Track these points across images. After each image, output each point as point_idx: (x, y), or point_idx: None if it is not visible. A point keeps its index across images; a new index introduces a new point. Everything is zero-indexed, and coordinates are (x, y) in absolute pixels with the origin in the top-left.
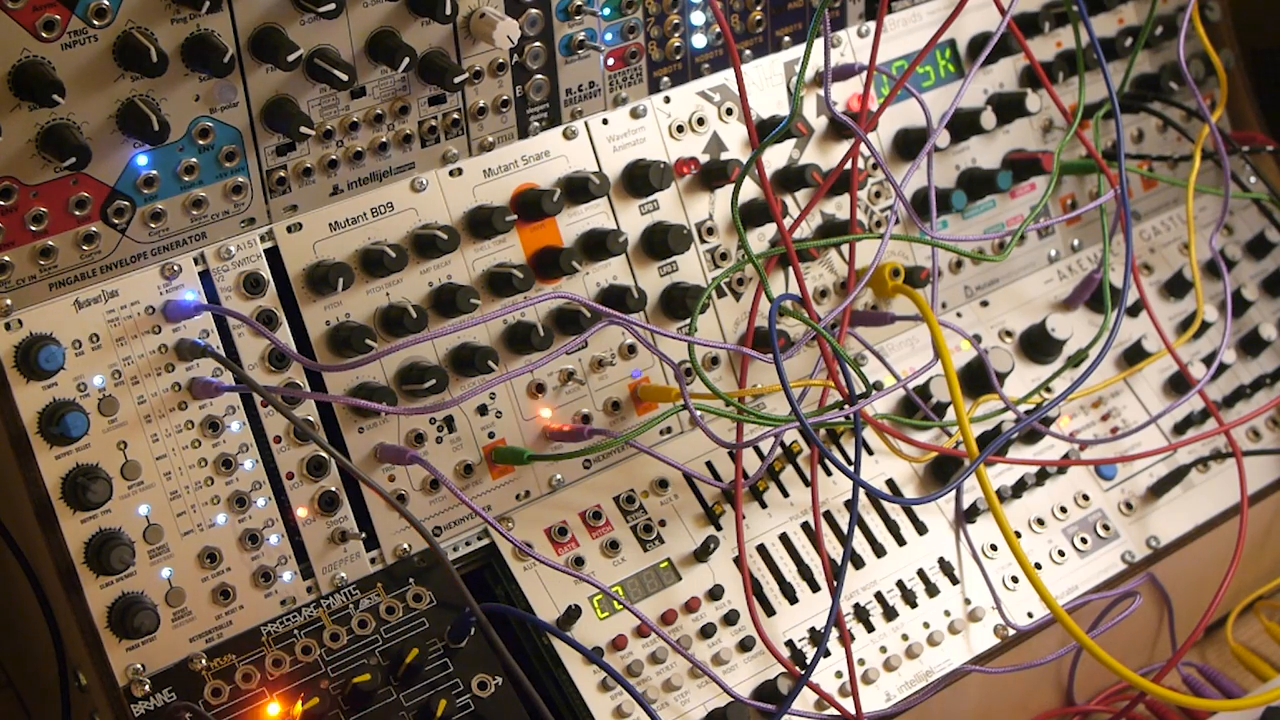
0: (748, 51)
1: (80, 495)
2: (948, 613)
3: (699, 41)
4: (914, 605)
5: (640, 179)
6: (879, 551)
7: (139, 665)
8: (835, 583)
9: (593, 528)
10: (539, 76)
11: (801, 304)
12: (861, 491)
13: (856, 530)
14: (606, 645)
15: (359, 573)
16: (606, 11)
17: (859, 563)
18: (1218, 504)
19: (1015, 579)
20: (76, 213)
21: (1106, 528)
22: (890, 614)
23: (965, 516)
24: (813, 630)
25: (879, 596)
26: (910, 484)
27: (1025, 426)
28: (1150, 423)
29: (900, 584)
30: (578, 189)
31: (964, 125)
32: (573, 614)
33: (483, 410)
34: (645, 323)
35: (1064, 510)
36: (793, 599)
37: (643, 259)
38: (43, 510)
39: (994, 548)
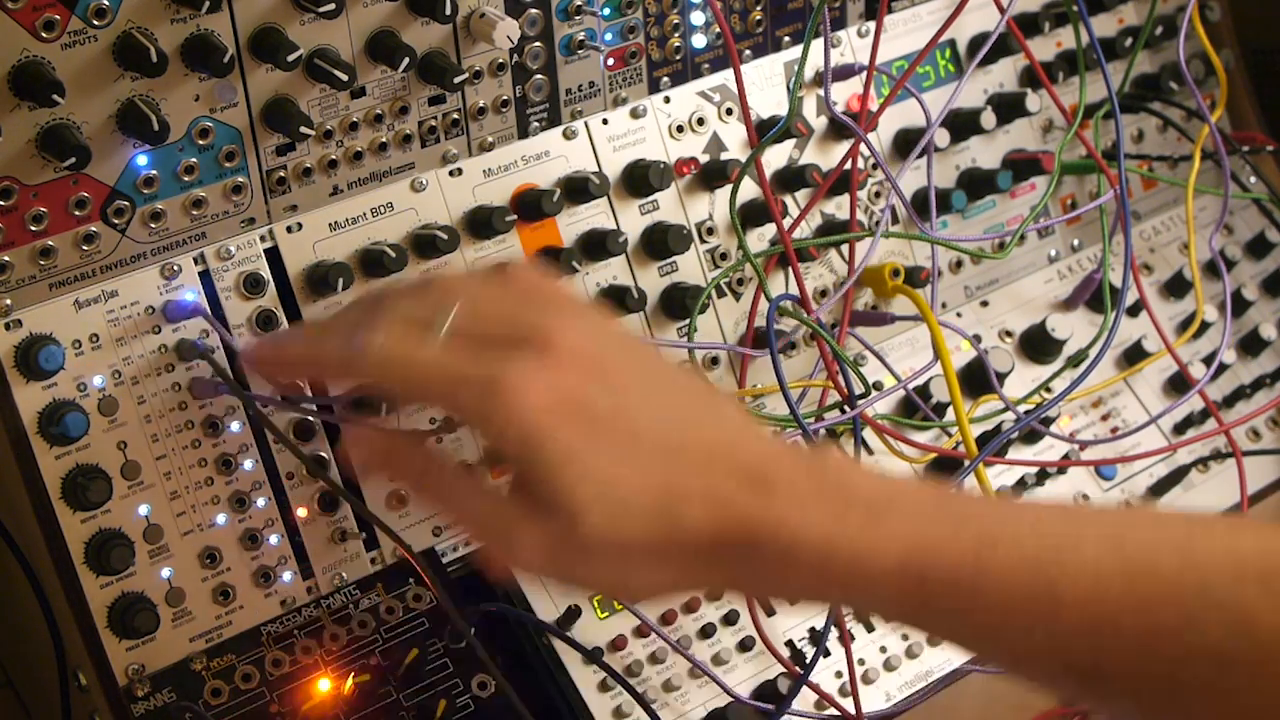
0: (748, 51)
1: (80, 495)
2: None
3: (699, 41)
4: None
5: (640, 179)
6: None
7: (139, 665)
8: None
9: None
10: (539, 76)
11: (800, 304)
12: None
13: None
14: (606, 645)
15: (359, 573)
16: (606, 11)
17: None
18: (1218, 504)
19: None
20: (76, 213)
21: None
22: None
23: None
24: (813, 630)
25: None
26: None
27: (1025, 426)
28: (1150, 423)
29: None
30: (578, 189)
31: (964, 125)
32: (573, 614)
33: None
34: (645, 322)
35: None
36: None
37: (643, 259)
38: (43, 510)
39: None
